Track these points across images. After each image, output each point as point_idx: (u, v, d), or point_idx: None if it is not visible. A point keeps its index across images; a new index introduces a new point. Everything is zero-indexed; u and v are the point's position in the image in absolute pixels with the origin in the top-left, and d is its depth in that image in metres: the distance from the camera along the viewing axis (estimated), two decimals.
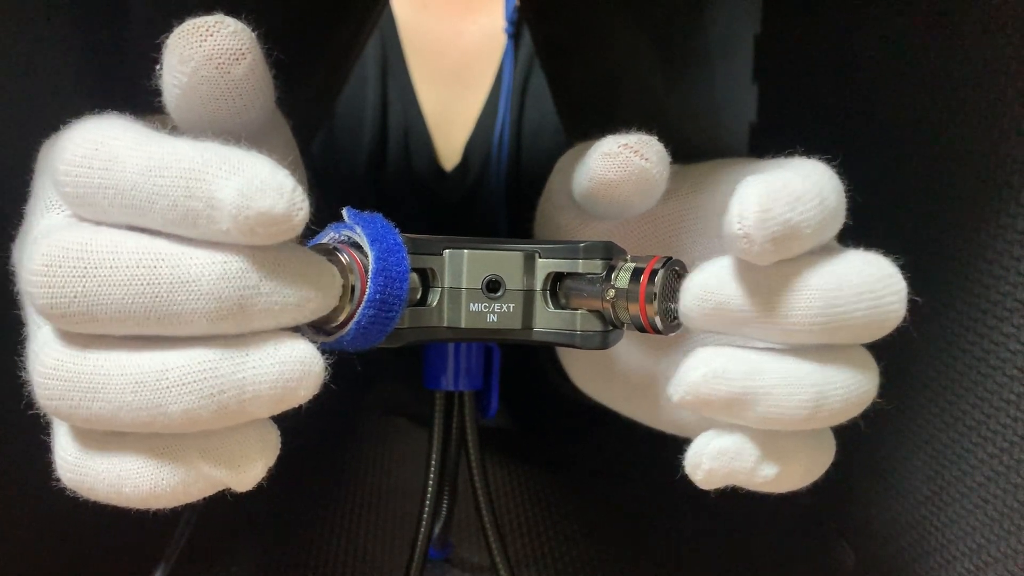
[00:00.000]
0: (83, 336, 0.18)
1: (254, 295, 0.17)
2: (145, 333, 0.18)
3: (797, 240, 0.19)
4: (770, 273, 0.20)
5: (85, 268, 0.17)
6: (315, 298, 0.18)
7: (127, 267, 0.17)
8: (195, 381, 0.17)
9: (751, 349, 0.21)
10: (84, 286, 0.17)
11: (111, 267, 0.17)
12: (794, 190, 0.19)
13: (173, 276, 0.17)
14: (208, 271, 0.17)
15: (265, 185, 0.17)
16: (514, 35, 0.56)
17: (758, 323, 0.20)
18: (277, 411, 0.19)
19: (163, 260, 0.17)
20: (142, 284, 0.17)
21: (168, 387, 0.17)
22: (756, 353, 0.21)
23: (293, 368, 0.18)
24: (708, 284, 0.20)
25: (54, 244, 0.18)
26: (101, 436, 0.19)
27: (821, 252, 0.20)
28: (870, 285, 0.20)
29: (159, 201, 0.17)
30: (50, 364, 0.18)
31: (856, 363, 0.21)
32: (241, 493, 0.20)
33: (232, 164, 0.17)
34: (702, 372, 0.20)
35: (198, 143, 0.18)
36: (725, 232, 0.19)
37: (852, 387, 0.21)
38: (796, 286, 0.20)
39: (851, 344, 0.21)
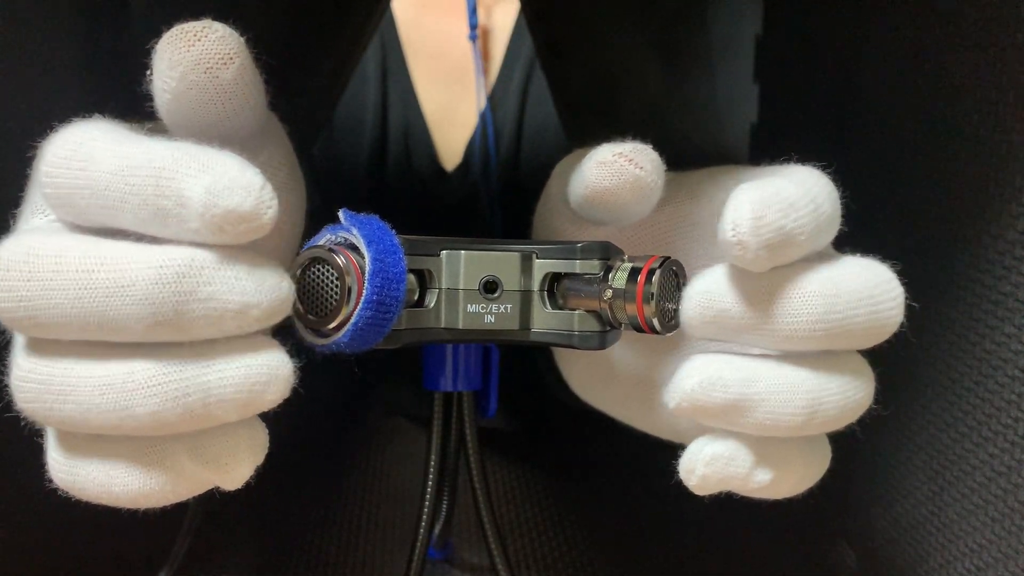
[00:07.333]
0: (52, 341, 0.18)
1: (190, 301, 0.17)
2: (89, 338, 0.18)
3: (791, 247, 0.19)
4: (767, 280, 0.20)
5: (30, 273, 0.17)
6: (259, 305, 0.18)
7: (68, 272, 0.17)
8: (160, 384, 0.18)
9: (746, 356, 0.21)
10: (29, 290, 0.17)
11: (54, 271, 0.17)
12: (787, 196, 0.19)
13: (109, 281, 0.17)
14: (143, 276, 0.17)
15: (233, 183, 0.17)
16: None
17: (757, 330, 0.20)
18: (246, 415, 0.19)
19: (103, 265, 0.17)
20: (80, 289, 0.17)
21: (134, 389, 0.18)
22: (751, 360, 0.21)
23: (260, 372, 0.18)
24: (710, 291, 0.20)
25: (9, 248, 0.18)
26: (89, 438, 0.19)
27: (818, 258, 0.20)
28: (868, 291, 0.20)
29: (131, 200, 0.17)
30: (25, 367, 0.18)
31: (851, 370, 0.21)
32: (242, 494, 0.20)
33: (201, 162, 0.17)
34: (697, 379, 0.20)
35: (171, 143, 0.18)
36: (720, 239, 0.19)
37: (848, 394, 0.21)
38: (794, 292, 0.20)
39: (847, 351, 0.21)
